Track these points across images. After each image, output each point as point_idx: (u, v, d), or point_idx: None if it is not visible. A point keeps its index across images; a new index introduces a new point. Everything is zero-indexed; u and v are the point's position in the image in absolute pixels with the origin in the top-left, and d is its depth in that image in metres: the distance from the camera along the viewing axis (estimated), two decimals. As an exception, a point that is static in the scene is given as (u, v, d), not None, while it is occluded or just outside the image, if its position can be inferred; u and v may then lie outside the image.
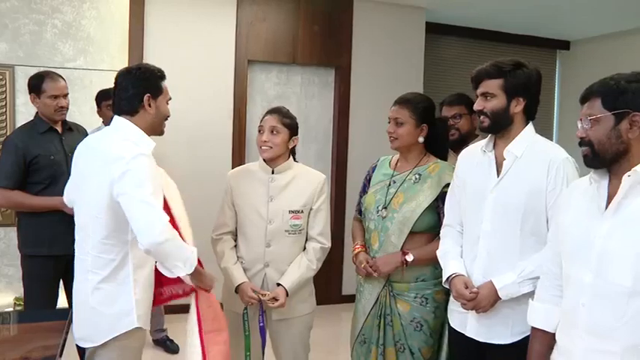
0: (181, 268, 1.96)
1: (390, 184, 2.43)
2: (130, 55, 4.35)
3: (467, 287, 2.01)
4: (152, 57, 4.37)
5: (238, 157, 4.67)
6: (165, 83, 2.17)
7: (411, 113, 2.37)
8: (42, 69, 4.13)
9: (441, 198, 2.31)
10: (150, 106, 2.09)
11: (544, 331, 1.74)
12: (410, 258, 2.29)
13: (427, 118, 2.40)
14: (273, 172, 2.44)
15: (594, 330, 1.57)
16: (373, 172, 2.56)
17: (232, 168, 4.56)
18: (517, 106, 1.99)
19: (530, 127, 2.04)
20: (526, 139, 2.01)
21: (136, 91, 2.08)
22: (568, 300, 1.66)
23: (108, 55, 4.38)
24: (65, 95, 2.94)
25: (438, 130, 2.45)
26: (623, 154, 1.57)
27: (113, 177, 1.92)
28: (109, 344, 2.02)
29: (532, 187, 1.93)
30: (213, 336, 2.12)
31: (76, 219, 2.13)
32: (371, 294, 2.42)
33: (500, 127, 2.02)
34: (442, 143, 2.51)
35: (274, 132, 2.39)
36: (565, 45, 6.43)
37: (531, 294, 1.90)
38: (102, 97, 3.71)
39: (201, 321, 2.12)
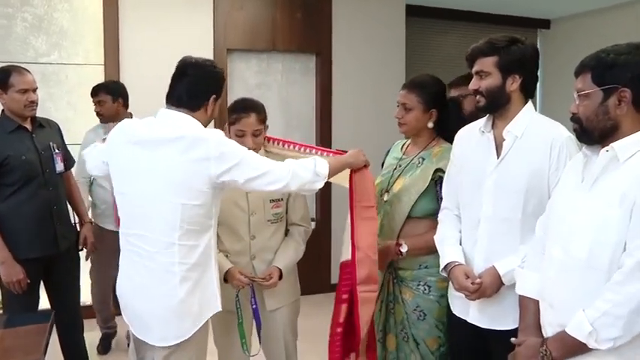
0: (318, 181, 2.02)
1: (396, 168, 2.38)
2: (106, 48, 4.25)
3: (468, 277, 1.95)
4: (128, 49, 4.29)
5: (221, 147, 4.61)
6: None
7: (419, 98, 2.27)
8: (14, 64, 4.07)
9: (439, 183, 2.22)
10: (213, 107, 2.05)
11: (531, 298, 1.72)
12: (404, 249, 2.22)
13: (437, 102, 2.29)
14: None
15: (552, 303, 1.59)
16: (386, 156, 2.51)
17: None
18: (513, 84, 1.92)
19: (529, 105, 1.97)
20: (526, 118, 1.93)
21: (204, 88, 2.01)
22: (543, 272, 1.67)
23: (83, 49, 4.28)
24: (35, 90, 2.80)
25: (449, 113, 2.35)
26: (612, 130, 1.53)
27: (207, 158, 1.88)
28: (190, 339, 1.96)
29: (534, 168, 1.87)
30: (363, 210, 2.18)
31: (133, 213, 2.00)
32: None
33: (497, 106, 1.95)
34: (452, 126, 2.35)
35: (257, 134, 2.30)
36: (545, 24, 6.42)
37: None
38: (92, 92, 3.59)
39: (353, 192, 2.20)
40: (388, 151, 2.53)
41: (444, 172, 2.20)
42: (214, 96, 2.03)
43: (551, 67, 6.33)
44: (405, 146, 2.45)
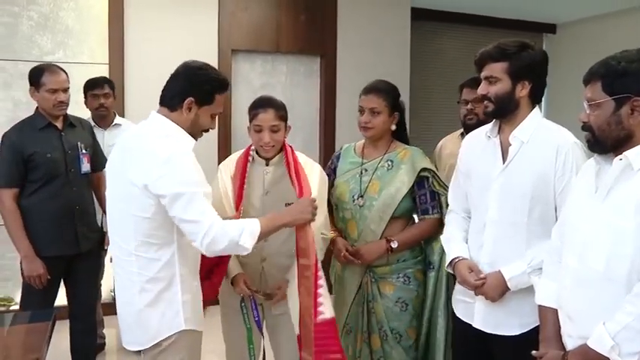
0: (245, 246, 1.87)
1: (361, 173, 2.41)
2: (111, 47, 4.26)
3: (472, 271, 1.97)
4: (133, 48, 4.30)
5: (224, 147, 4.61)
6: (222, 97, 2.02)
7: (385, 102, 2.37)
8: (19, 63, 4.08)
9: (416, 183, 2.34)
10: (190, 110, 1.94)
11: (550, 307, 1.69)
12: (395, 244, 2.31)
13: (397, 106, 2.41)
14: (267, 164, 2.35)
15: (571, 315, 1.57)
16: (338, 161, 2.54)
17: (218, 159, 4.53)
18: (523, 90, 1.90)
19: (536, 110, 1.96)
20: (533, 123, 1.92)
21: (181, 88, 1.94)
22: (560, 281, 1.65)
23: (88, 48, 4.28)
24: (65, 90, 2.82)
25: (403, 116, 2.48)
26: (626, 139, 1.50)
27: (152, 177, 1.81)
28: (164, 348, 1.92)
29: (539, 173, 1.86)
30: (302, 268, 2.09)
31: (112, 219, 2.00)
32: (351, 283, 2.42)
33: (505, 112, 1.93)
34: (404, 129, 2.53)
35: (275, 130, 2.28)
36: (551, 28, 6.40)
37: None
38: (87, 86, 3.63)
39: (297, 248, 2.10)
40: (337, 156, 2.56)
41: (429, 172, 2.32)
42: (192, 99, 1.93)
43: (556, 71, 6.30)
44: (360, 149, 2.50)
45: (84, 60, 4.23)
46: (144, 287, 1.90)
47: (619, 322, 1.44)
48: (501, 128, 1.99)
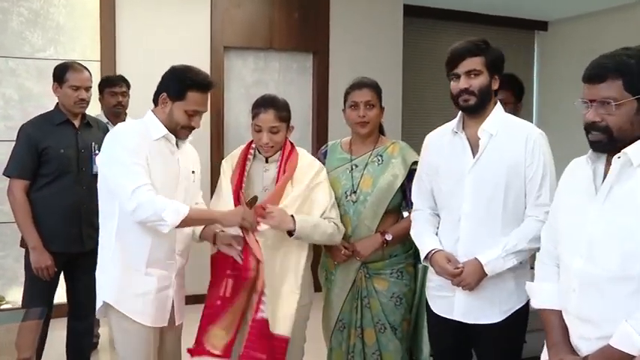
0: (162, 225, 1.98)
1: (352, 168, 2.42)
2: (102, 44, 4.24)
3: (449, 261, 2.00)
4: (125, 46, 4.28)
5: (217, 144, 4.61)
6: (196, 95, 2.11)
7: (377, 96, 2.41)
8: (9, 59, 4.05)
9: (407, 177, 2.36)
10: (165, 105, 2.12)
11: (552, 310, 1.67)
12: (389, 237, 2.34)
13: (381, 100, 2.45)
14: (267, 161, 2.35)
15: (584, 317, 1.54)
16: (325, 158, 2.54)
17: (211, 156, 4.53)
18: (495, 83, 2.00)
19: (499, 105, 2.05)
20: (498, 117, 2.02)
21: (160, 86, 2.14)
22: (562, 284, 1.63)
23: (79, 45, 4.26)
24: (87, 88, 2.86)
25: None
26: (638, 139, 1.48)
27: (102, 149, 2.09)
28: (112, 315, 2.11)
29: (510, 163, 1.94)
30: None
31: None
32: (345, 280, 2.42)
33: (484, 106, 2.01)
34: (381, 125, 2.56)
35: (274, 131, 2.27)
36: (543, 26, 6.43)
37: (514, 269, 1.94)
38: (104, 83, 3.70)
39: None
40: (324, 153, 2.57)
41: (415, 166, 2.33)
42: (165, 95, 2.10)
43: (548, 68, 6.34)
44: (347, 145, 2.51)
45: (75, 57, 4.17)
46: (99, 253, 2.15)
47: None
48: (465, 124, 2.05)
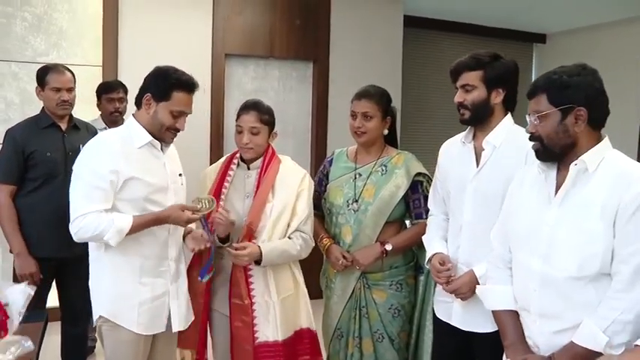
0: (110, 243, 1.99)
1: (355, 177, 2.43)
2: (105, 49, 4.26)
3: (443, 264, 2.07)
4: (127, 52, 4.29)
5: (216, 151, 4.61)
6: (182, 95, 2.08)
7: (378, 107, 2.40)
8: (12, 63, 4.07)
9: (410, 188, 2.37)
10: (149, 106, 2.08)
11: (508, 310, 1.77)
12: (389, 247, 2.34)
13: (389, 110, 2.44)
14: (249, 168, 2.37)
15: (546, 313, 1.64)
16: (330, 165, 2.55)
17: (210, 163, 4.52)
18: (497, 97, 2.03)
19: (508, 117, 2.08)
20: (504, 129, 2.05)
21: (143, 86, 2.12)
22: (518, 285, 1.73)
23: (81, 50, 4.27)
24: (69, 89, 2.83)
25: (394, 121, 2.51)
26: (571, 146, 1.62)
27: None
28: (103, 325, 2.10)
29: (509, 175, 1.96)
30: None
31: None
32: (344, 289, 2.43)
33: (480, 119, 2.05)
34: (395, 135, 2.57)
35: (255, 132, 2.30)
36: (541, 38, 6.48)
37: None
38: (102, 89, 3.67)
39: None
40: (330, 161, 2.58)
41: (423, 177, 2.37)
42: (149, 95, 2.07)
43: (545, 81, 6.37)
44: (352, 154, 2.52)
45: (77, 62, 4.22)
46: (91, 265, 2.13)
47: (606, 318, 1.52)
48: (475, 135, 2.10)
